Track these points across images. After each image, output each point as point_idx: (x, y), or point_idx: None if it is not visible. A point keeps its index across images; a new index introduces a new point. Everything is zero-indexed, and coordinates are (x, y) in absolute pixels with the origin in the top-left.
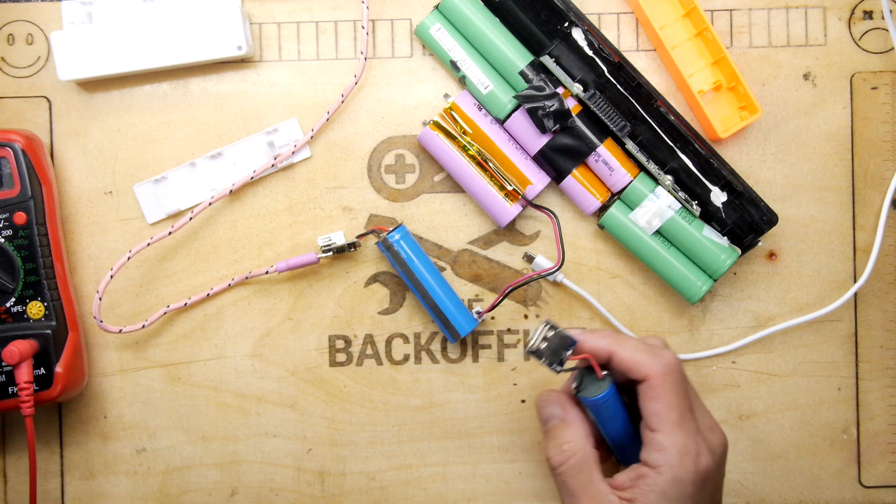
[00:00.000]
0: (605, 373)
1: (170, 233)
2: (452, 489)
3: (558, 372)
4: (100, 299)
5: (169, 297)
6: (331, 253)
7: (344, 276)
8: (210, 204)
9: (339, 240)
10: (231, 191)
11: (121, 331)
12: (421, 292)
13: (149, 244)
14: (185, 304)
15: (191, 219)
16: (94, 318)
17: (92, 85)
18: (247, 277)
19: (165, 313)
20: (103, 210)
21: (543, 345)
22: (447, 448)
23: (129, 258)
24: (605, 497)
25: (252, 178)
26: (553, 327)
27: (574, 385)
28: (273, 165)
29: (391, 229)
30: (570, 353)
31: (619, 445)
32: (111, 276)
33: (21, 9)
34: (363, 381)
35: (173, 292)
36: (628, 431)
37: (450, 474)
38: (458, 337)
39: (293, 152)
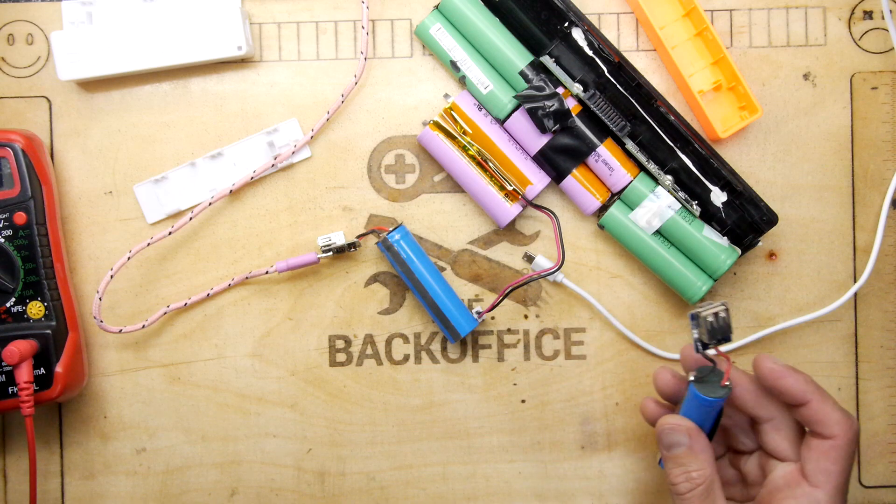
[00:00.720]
0: (727, 383)
1: (170, 233)
2: (452, 489)
3: (696, 351)
4: (100, 299)
5: (169, 297)
6: (331, 253)
7: (344, 276)
8: (210, 204)
9: (339, 240)
10: (231, 191)
11: (121, 331)
12: (421, 292)
13: (149, 244)
14: (185, 304)
15: (191, 219)
16: (94, 318)
17: (92, 85)
18: (247, 277)
19: (165, 313)
20: (103, 210)
21: (710, 319)
22: (447, 448)
23: (129, 258)
24: None
25: (252, 178)
26: (727, 312)
27: (694, 373)
28: (273, 165)
29: (391, 229)
30: (719, 345)
31: None
32: (111, 276)
33: (21, 9)
34: (363, 381)
35: (173, 292)
36: (709, 436)
37: (450, 474)
38: (458, 337)
39: (293, 152)
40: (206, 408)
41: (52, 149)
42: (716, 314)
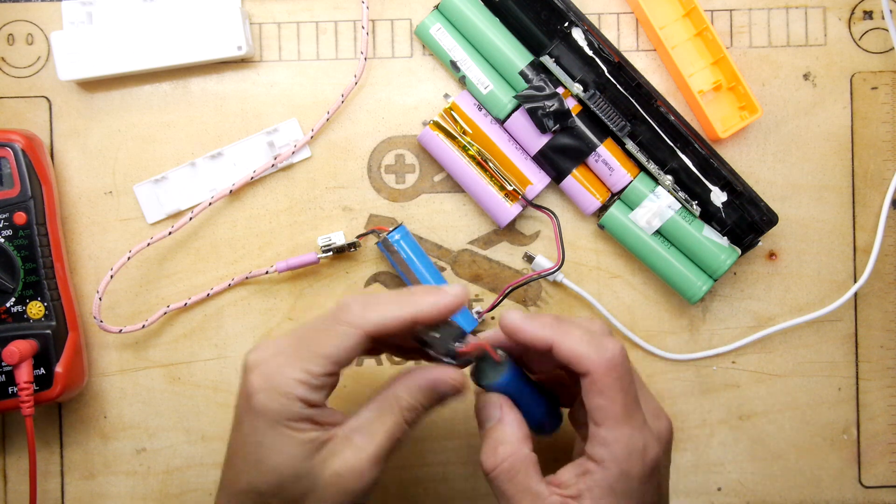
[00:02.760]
0: (501, 354)
1: (170, 233)
2: (452, 489)
3: (456, 364)
4: (100, 299)
5: (169, 297)
6: (331, 253)
7: (344, 276)
8: (210, 204)
9: (339, 240)
10: (231, 191)
11: (121, 331)
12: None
13: (149, 244)
14: (185, 304)
15: (191, 219)
16: (94, 318)
17: (92, 85)
18: (247, 277)
19: (165, 313)
20: (103, 210)
21: (435, 335)
22: (447, 448)
23: (129, 258)
24: (546, 499)
25: (252, 178)
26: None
27: (471, 373)
28: (273, 165)
29: (391, 229)
30: (460, 344)
31: (538, 423)
32: (111, 276)
33: (21, 9)
34: (363, 381)
35: (173, 292)
36: (542, 406)
37: (450, 474)
38: None
39: (293, 152)
40: (206, 408)
41: (52, 149)
42: (435, 328)
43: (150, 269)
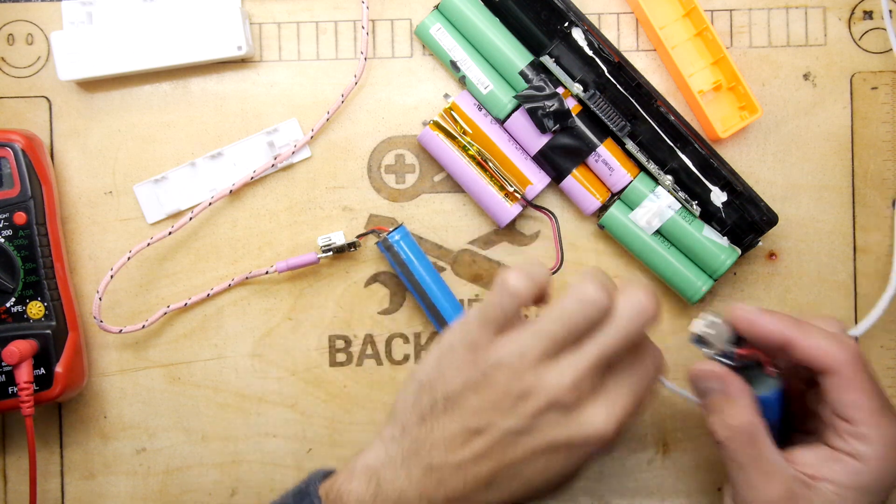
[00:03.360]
0: (775, 370)
1: (170, 233)
2: None
3: (726, 365)
4: (100, 299)
5: (169, 297)
6: (331, 253)
7: (344, 276)
8: (210, 204)
9: (339, 240)
10: (231, 191)
11: (121, 331)
12: (419, 294)
13: (149, 244)
14: (186, 304)
15: (191, 219)
16: (94, 318)
17: (92, 85)
18: (247, 277)
19: (165, 313)
20: (103, 210)
21: (711, 332)
22: None
23: (129, 258)
24: (782, 470)
25: (252, 178)
26: (719, 318)
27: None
28: (273, 165)
29: (391, 230)
30: (738, 348)
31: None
32: (111, 276)
33: (21, 9)
34: (363, 381)
35: (173, 292)
36: (779, 433)
37: None
38: None
39: (293, 152)
40: (206, 408)
41: (52, 149)
42: (710, 323)
43: (151, 269)
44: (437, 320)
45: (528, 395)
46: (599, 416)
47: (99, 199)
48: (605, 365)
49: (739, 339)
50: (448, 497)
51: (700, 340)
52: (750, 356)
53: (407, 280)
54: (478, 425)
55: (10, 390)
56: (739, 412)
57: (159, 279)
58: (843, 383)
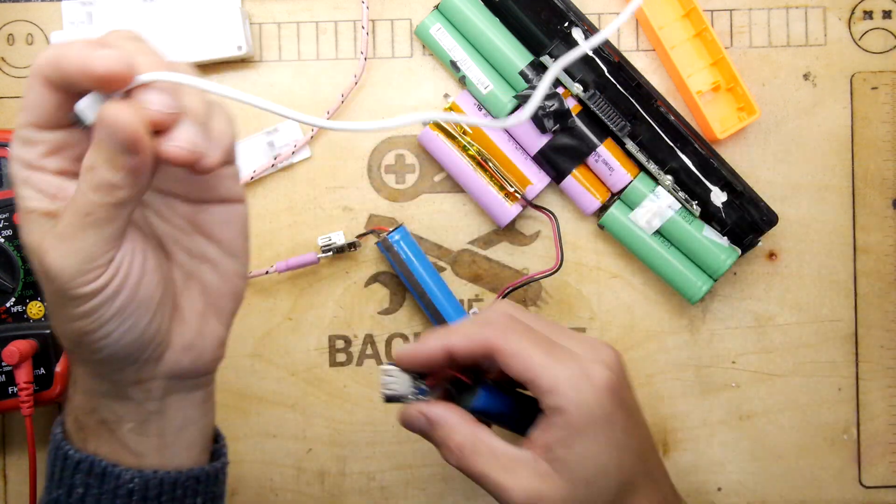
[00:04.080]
0: (469, 379)
1: None
2: (452, 489)
3: (429, 401)
4: None
5: None
6: (331, 253)
7: (344, 276)
8: None
9: (339, 240)
10: None
11: None
12: (419, 293)
13: None
14: None
15: None
16: None
17: None
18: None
19: None
20: None
21: (394, 382)
22: None
23: None
24: (520, 459)
25: (252, 178)
26: (392, 366)
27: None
28: (273, 165)
29: (391, 230)
30: (425, 381)
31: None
32: None
33: (21, 9)
34: (363, 381)
35: None
36: (519, 423)
37: (450, 474)
38: None
39: (293, 152)
40: None
41: None
42: (391, 378)
43: None
44: (437, 320)
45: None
46: None
47: None
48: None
49: (423, 375)
50: None
51: (391, 398)
52: (440, 381)
53: (407, 280)
54: None
55: (10, 390)
56: (455, 430)
57: None
58: (506, 357)
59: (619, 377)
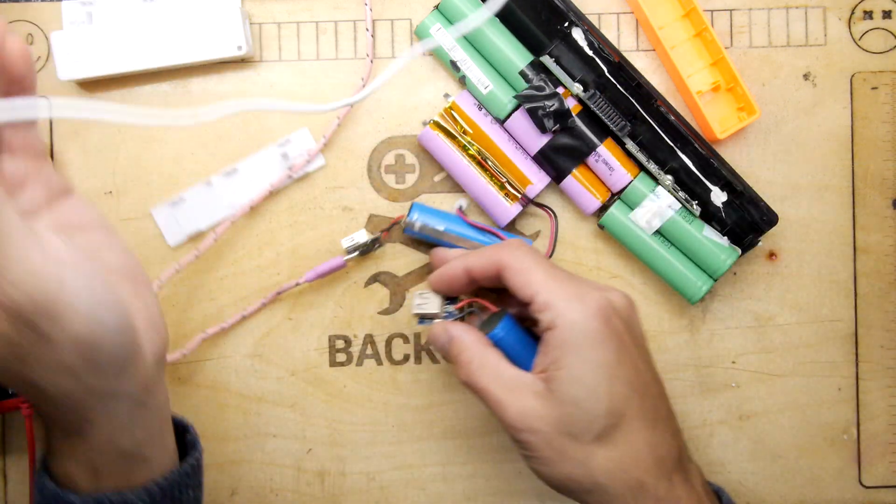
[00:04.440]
0: (495, 307)
1: (196, 256)
2: (452, 489)
3: (455, 319)
4: None
5: (168, 303)
6: (356, 253)
7: (344, 275)
8: (232, 223)
9: (362, 238)
10: (251, 207)
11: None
12: (463, 244)
13: (177, 270)
14: (222, 328)
15: (215, 240)
16: None
17: (92, 85)
18: (278, 293)
19: (203, 339)
20: (104, 210)
21: (425, 304)
22: (447, 448)
23: (159, 286)
24: (523, 381)
25: (270, 191)
26: (423, 290)
27: (479, 326)
28: (289, 177)
29: (406, 213)
30: (455, 304)
31: None
32: None
33: (21, 9)
34: (363, 381)
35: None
36: (527, 357)
37: (450, 474)
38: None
39: (307, 161)
40: (206, 408)
41: (52, 149)
42: (421, 297)
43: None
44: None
45: None
46: None
47: (99, 199)
48: None
49: (453, 299)
50: None
51: (423, 318)
52: (466, 304)
53: (452, 245)
54: None
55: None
56: (467, 347)
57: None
58: (512, 272)
59: (617, 310)
